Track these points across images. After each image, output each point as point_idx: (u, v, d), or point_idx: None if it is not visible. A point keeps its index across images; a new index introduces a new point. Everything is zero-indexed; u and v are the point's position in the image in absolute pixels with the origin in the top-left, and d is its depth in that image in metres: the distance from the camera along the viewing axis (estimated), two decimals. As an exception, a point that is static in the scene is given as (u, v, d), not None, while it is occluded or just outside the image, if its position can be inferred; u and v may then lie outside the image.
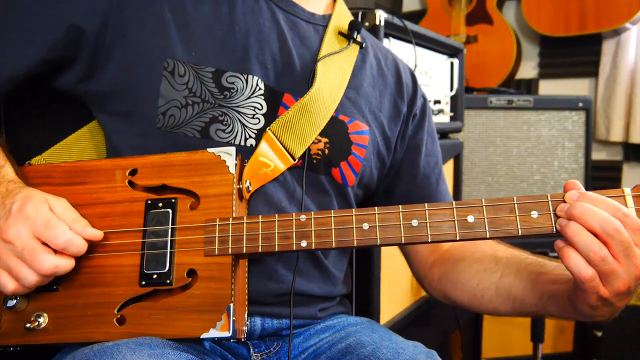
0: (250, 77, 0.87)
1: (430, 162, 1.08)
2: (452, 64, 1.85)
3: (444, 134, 1.87)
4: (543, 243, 2.04)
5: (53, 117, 0.97)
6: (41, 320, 0.79)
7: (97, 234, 0.78)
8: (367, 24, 1.37)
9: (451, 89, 1.85)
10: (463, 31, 2.88)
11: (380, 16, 1.37)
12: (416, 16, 3.11)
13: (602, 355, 2.23)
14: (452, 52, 1.83)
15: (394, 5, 3.30)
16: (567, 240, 0.69)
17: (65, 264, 0.74)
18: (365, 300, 1.38)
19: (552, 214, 0.71)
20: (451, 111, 1.85)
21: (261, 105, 0.88)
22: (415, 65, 1.57)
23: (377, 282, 1.40)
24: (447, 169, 1.86)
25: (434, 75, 1.75)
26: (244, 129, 0.86)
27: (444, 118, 1.82)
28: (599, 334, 2.21)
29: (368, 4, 2.99)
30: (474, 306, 0.94)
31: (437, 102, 1.77)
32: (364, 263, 1.39)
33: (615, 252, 0.66)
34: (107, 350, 0.69)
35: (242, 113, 0.86)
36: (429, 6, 3.01)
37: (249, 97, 0.87)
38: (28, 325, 0.77)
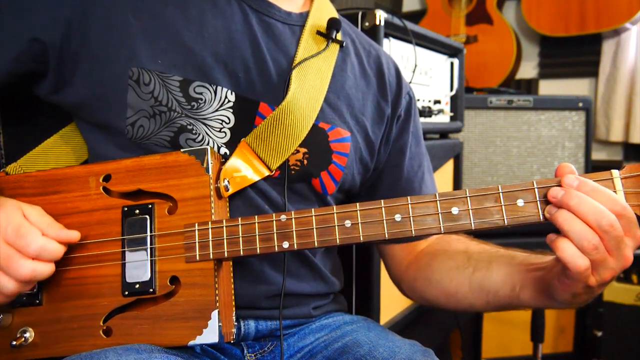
0: (219, 88, 0.83)
1: (413, 165, 1.05)
2: (452, 64, 1.85)
3: (444, 134, 1.87)
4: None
5: (28, 122, 0.95)
6: (27, 335, 0.78)
7: (73, 235, 0.76)
8: (367, 24, 1.37)
9: (451, 89, 1.85)
10: (463, 31, 2.88)
11: (380, 16, 1.37)
12: (416, 16, 3.12)
13: (602, 355, 2.23)
14: (452, 52, 1.83)
15: (394, 5, 3.30)
16: (558, 232, 0.68)
17: (44, 268, 0.73)
18: (365, 300, 1.38)
19: (539, 202, 0.70)
20: (451, 111, 1.85)
21: (229, 118, 0.85)
22: (415, 65, 1.57)
23: (377, 282, 1.40)
24: (447, 169, 1.86)
25: (434, 75, 1.75)
26: (213, 142, 0.84)
27: (444, 118, 1.82)
28: (599, 334, 2.21)
29: (368, 4, 2.99)
30: (450, 304, 0.93)
31: (437, 102, 1.77)
32: (364, 263, 1.39)
33: (607, 245, 0.67)
34: (95, 356, 0.70)
35: (209, 126, 0.84)
36: (429, 6, 3.01)
37: (216, 110, 0.84)
38: (14, 342, 0.77)
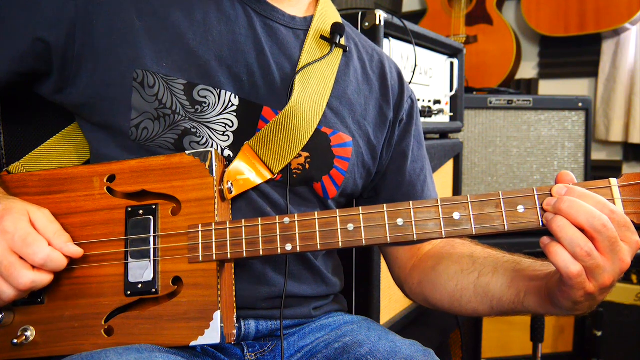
0: (222, 92, 0.84)
1: (416, 168, 1.05)
2: (452, 64, 1.85)
3: (444, 134, 1.87)
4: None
5: (30, 121, 0.96)
6: (28, 334, 0.78)
7: (77, 251, 0.76)
8: (367, 24, 1.37)
9: (451, 89, 1.85)
10: (463, 31, 2.88)
11: (380, 16, 1.37)
12: (416, 16, 3.12)
13: (601, 355, 2.23)
14: (452, 52, 1.83)
15: (394, 5, 3.30)
16: (553, 237, 0.68)
17: (43, 279, 0.73)
18: (365, 300, 1.38)
19: (538, 209, 0.70)
20: (451, 111, 1.85)
21: (232, 122, 0.85)
22: (415, 65, 1.57)
23: (377, 282, 1.40)
24: (447, 169, 1.86)
25: (434, 75, 1.76)
26: (216, 145, 0.84)
27: (444, 118, 1.82)
28: (599, 334, 2.21)
29: (368, 4, 2.99)
30: (454, 308, 0.92)
31: (437, 102, 1.77)
32: (364, 263, 1.39)
33: (602, 247, 0.66)
34: (95, 356, 0.70)
35: (213, 129, 0.84)
36: (429, 6, 3.01)
37: (220, 114, 0.84)
38: (15, 340, 0.77)
